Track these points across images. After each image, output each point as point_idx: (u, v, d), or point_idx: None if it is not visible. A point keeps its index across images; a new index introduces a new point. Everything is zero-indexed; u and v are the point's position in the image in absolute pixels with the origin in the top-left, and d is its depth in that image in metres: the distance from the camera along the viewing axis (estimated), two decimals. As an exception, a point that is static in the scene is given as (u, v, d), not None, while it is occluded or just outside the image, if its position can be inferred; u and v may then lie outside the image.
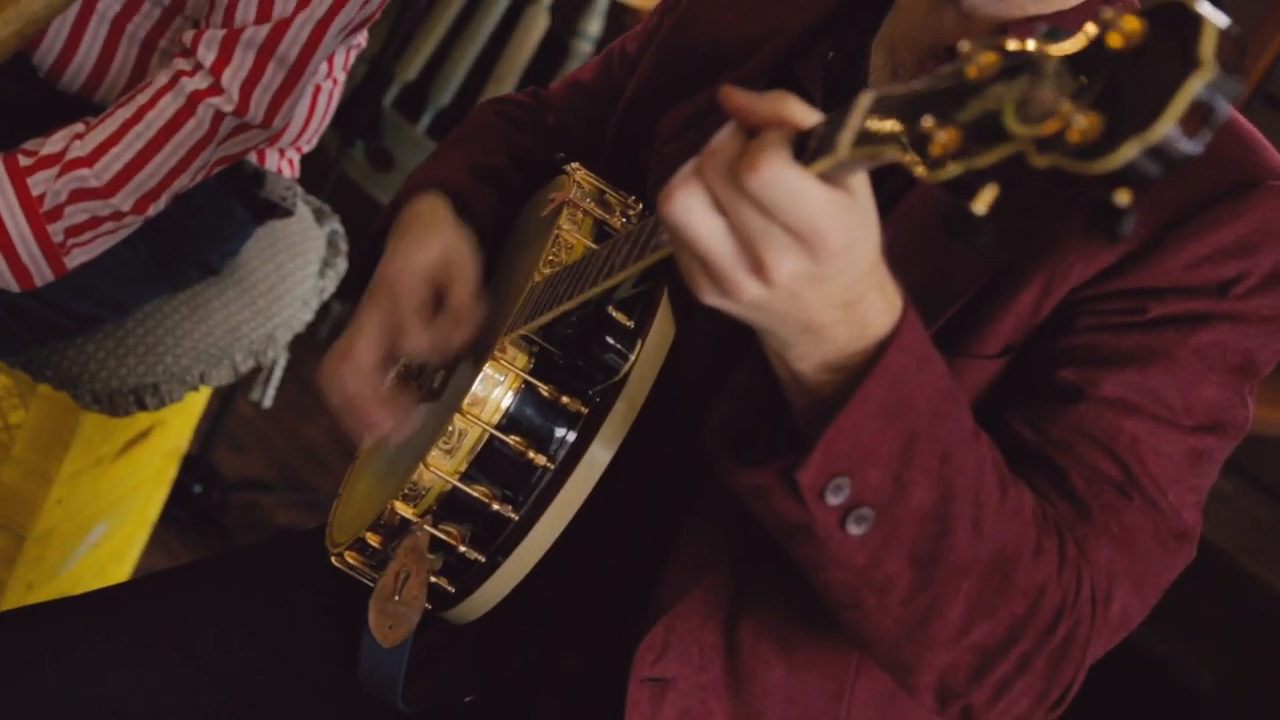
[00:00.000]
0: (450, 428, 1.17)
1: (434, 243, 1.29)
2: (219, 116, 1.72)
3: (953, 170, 0.76)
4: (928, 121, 0.78)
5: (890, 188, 1.18)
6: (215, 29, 1.71)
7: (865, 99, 0.83)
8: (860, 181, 0.87)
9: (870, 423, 0.95)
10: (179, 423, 2.32)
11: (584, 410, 1.18)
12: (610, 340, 1.16)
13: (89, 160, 1.71)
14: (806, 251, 0.86)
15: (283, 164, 2.07)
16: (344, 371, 1.25)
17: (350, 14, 1.74)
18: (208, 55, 1.71)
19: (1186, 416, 1.11)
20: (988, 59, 0.77)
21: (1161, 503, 1.10)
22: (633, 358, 1.17)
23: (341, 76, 2.06)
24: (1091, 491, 1.08)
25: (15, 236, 1.72)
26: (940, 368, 1.00)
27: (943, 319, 1.13)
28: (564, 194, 1.28)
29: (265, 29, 1.70)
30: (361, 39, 2.02)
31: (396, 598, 1.18)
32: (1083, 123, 0.72)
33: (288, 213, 2.08)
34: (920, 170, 0.78)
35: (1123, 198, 0.72)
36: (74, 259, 1.77)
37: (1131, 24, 0.73)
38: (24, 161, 1.73)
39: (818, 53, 1.31)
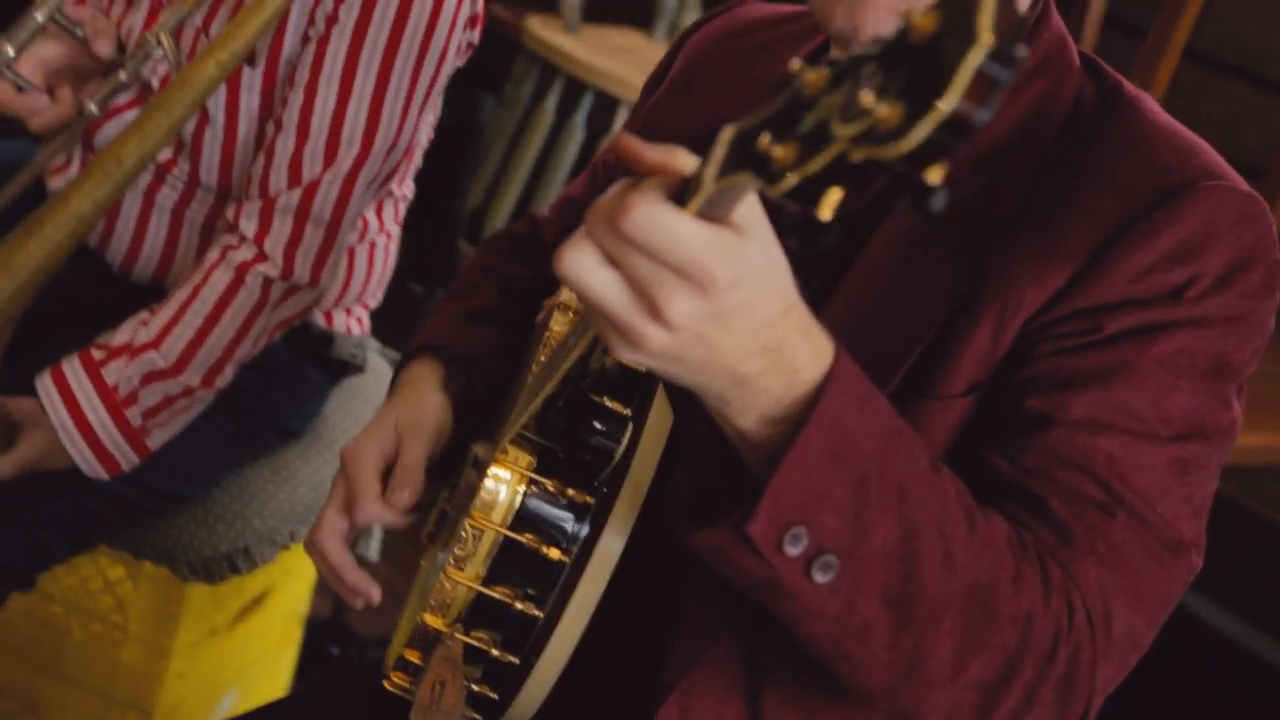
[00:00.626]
0: (464, 534, 1.21)
1: (387, 418, 1.38)
2: (268, 283, 1.83)
3: (791, 181, 0.80)
4: (764, 140, 0.82)
5: (848, 246, 1.21)
6: (253, 201, 1.83)
7: (728, 132, 0.87)
8: (751, 220, 0.89)
9: (817, 468, 0.96)
10: (294, 586, 2.40)
11: (590, 501, 1.21)
12: (598, 425, 1.20)
13: (155, 343, 1.82)
14: (695, 289, 0.87)
15: (351, 322, 2.15)
16: (316, 541, 1.36)
17: (374, 167, 1.83)
18: (249, 226, 1.82)
19: (1163, 426, 1.11)
20: (817, 74, 0.82)
21: (1150, 516, 1.09)
22: (625, 441, 1.20)
23: (395, 229, 2.14)
24: (1073, 515, 1.08)
25: (98, 427, 1.82)
26: (883, 406, 1.01)
27: (907, 364, 1.15)
28: (554, 299, 1.34)
29: (297, 193, 1.81)
30: (407, 190, 2.11)
31: (435, 708, 1.22)
32: (886, 113, 0.76)
33: (360, 369, 2.16)
34: (764, 187, 0.82)
35: (934, 176, 0.75)
36: (155, 439, 1.86)
37: (927, 16, 0.77)
38: (97, 355, 1.83)
39: None
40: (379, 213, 2.08)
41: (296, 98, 1.80)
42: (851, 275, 1.20)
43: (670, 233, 0.87)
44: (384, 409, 1.42)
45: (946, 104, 0.74)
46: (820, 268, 1.21)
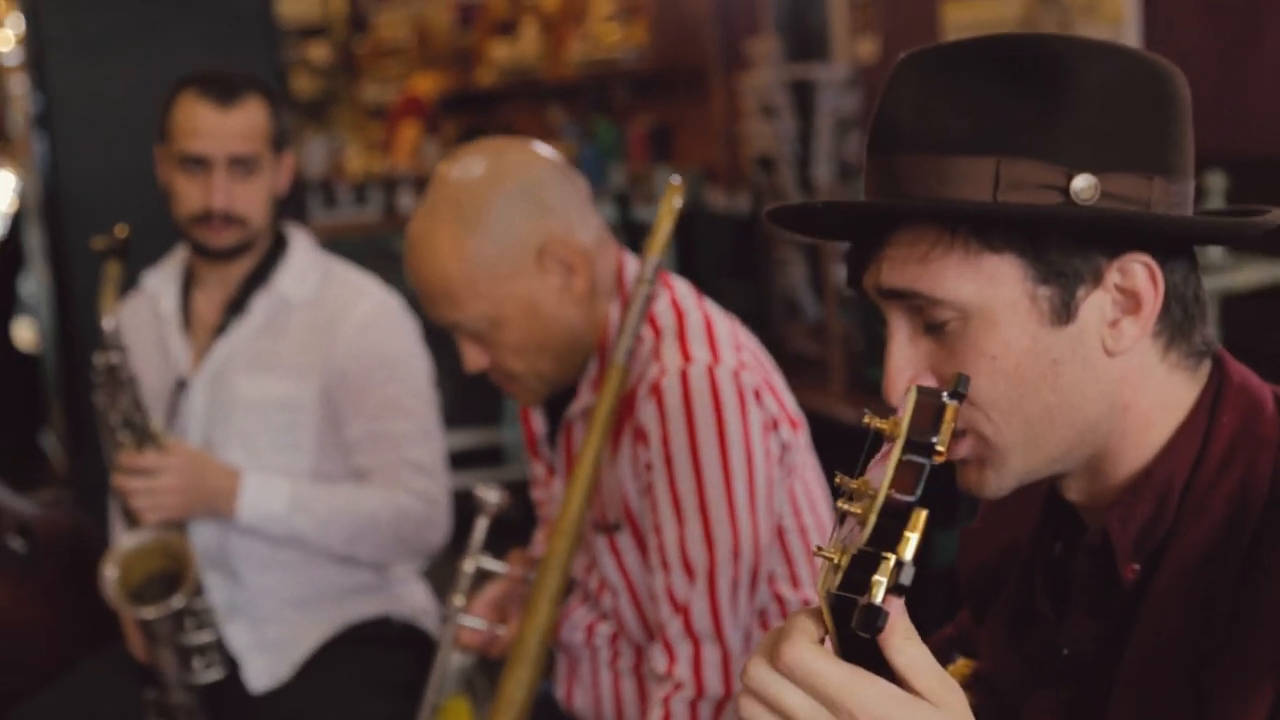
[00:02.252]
0: None
1: None
2: (691, 705, 1.96)
3: (837, 578, 0.96)
4: (831, 552, 0.99)
5: (1102, 679, 1.24)
6: (656, 640, 2.00)
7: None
8: (932, 682, 0.99)
9: None
10: None
11: None
12: None
13: None
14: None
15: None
16: None
17: (729, 573, 1.96)
18: (660, 663, 1.98)
19: None
20: (859, 481, 1.00)
21: None
22: None
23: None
24: None
25: None
26: None
27: None
28: None
29: (679, 619, 1.97)
30: (806, 593, 2.17)
31: None
32: (859, 508, 0.97)
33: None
34: (830, 589, 0.97)
35: (903, 551, 0.93)
36: None
37: (888, 420, 0.96)
38: None
39: (1042, 551, 1.36)
40: (783, 615, 2.15)
41: (652, 541, 1.98)
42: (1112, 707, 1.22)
43: (810, 669, 0.99)
44: None
45: (880, 496, 0.93)
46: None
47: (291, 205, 5.37)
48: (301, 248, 2.77)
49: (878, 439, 0.99)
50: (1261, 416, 1.21)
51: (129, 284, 2.78)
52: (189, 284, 2.79)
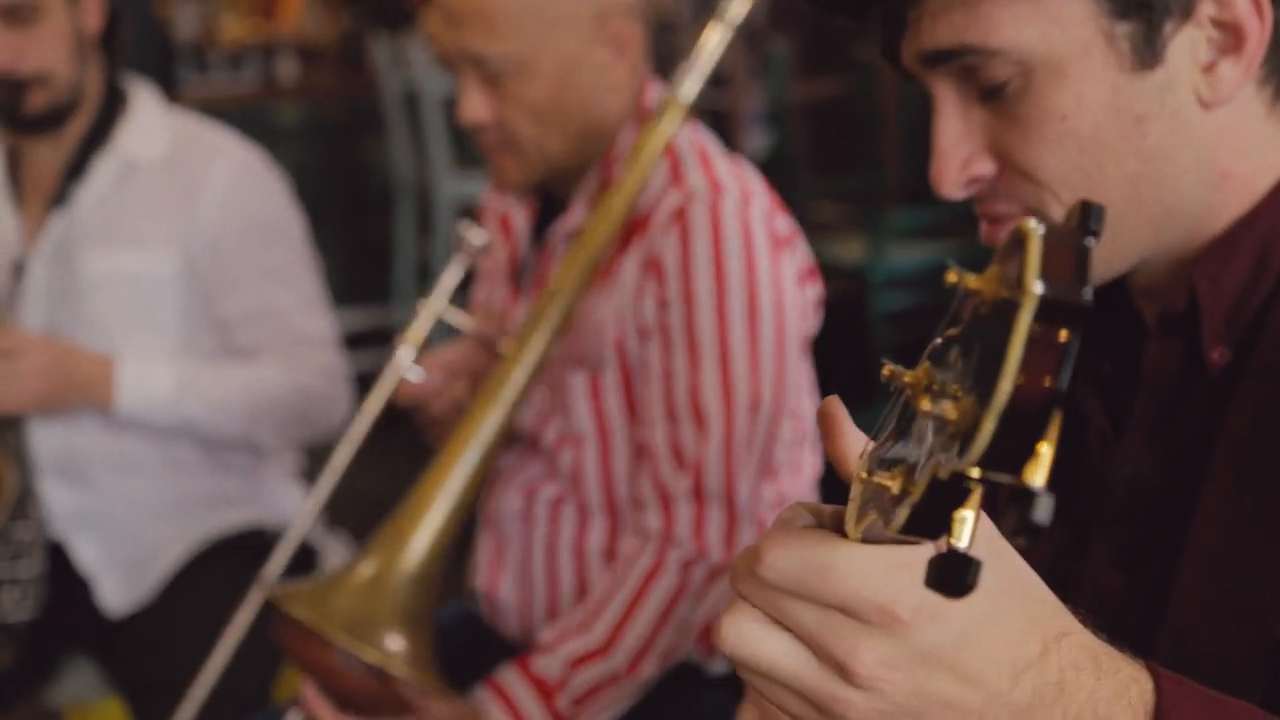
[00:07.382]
0: None
1: None
2: (686, 566, 1.77)
3: (902, 516, 0.64)
4: (873, 470, 0.70)
5: (1171, 535, 1.00)
6: (652, 500, 1.80)
7: (859, 463, 0.74)
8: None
9: None
10: None
11: None
12: None
13: (582, 629, 1.77)
14: (877, 628, 0.70)
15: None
16: None
17: (745, 428, 1.76)
18: (655, 521, 1.78)
19: None
20: (914, 375, 0.69)
21: None
22: None
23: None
24: None
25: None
26: (1241, 710, 0.80)
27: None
28: None
29: (687, 476, 1.77)
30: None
31: None
32: (954, 413, 0.62)
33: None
34: (884, 530, 0.67)
35: (1032, 476, 0.59)
36: None
37: (981, 278, 0.64)
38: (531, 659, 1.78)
39: (1091, 368, 1.09)
40: (798, 474, 1.97)
41: (656, 388, 1.79)
42: (1185, 565, 0.98)
43: (817, 566, 0.71)
44: None
45: (1003, 390, 0.59)
46: (1149, 563, 1.02)
47: (160, 71, 4.97)
48: (146, 103, 2.41)
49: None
50: None
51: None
52: (15, 153, 2.40)
